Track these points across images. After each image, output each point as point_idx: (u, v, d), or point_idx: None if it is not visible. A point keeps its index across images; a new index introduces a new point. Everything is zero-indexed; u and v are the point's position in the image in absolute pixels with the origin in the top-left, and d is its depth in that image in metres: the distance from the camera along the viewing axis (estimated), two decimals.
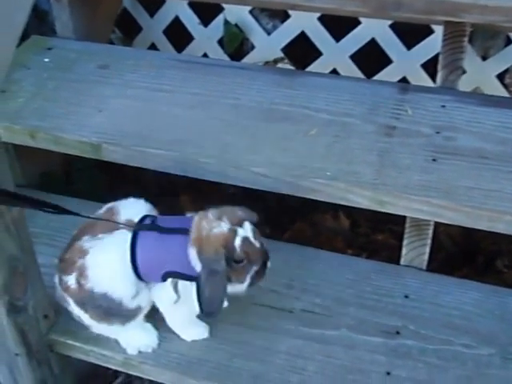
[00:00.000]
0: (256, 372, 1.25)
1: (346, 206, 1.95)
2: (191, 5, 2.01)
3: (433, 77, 1.70)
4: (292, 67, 1.96)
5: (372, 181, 1.26)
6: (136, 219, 1.22)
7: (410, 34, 1.83)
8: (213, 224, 1.14)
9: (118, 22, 2.08)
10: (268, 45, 1.97)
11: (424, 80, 1.84)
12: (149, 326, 1.32)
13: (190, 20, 2.03)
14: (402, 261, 1.45)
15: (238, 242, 1.12)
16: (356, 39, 1.86)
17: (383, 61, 1.89)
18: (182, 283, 1.19)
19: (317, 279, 1.42)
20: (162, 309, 1.27)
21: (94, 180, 1.94)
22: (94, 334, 1.32)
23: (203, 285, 1.12)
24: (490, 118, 1.40)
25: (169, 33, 2.08)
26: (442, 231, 1.90)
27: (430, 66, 1.83)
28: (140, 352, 1.30)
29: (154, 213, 1.27)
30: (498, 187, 1.22)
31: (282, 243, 1.56)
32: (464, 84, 1.67)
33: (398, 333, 1.31)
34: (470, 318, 1.33)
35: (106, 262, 1.20)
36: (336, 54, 1.91)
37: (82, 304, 1.23)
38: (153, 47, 2.12)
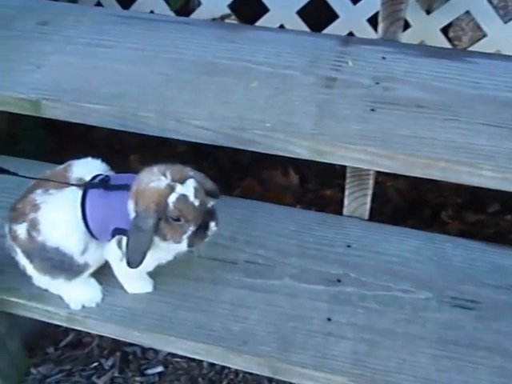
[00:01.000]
0: (199, 322, 1.27)
1: (296, 162, 1.98)
2: None
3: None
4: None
5: (311, 131, 1.26)
6: (88, 178, 1.22)
7: None
8: (152, 178, 1.13)
9: None
10: (214, 1, 1.95)
11: (370, 35, 1.84)
12: (92, 280, 1.32)
13: None
14: (345, 211, 1.47)
15: (172, 198, 1.10)
16: None
17: (330, 16, 1.88)
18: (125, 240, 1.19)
19: (260, 231, 1.44)
20: (112, 265, 1.27)
21: (41, 140, 1.92)
22: (38, 291, 1.32)
23: (128, 237, 1.13)
24: (428, 68, 1.41)
25: None
26: (390, 186, 1.93)
27: (375, 21, 1.83)
28: (84, 307, 1.31)
29: (109, 173, 1.27)
30: (433, 135, 1.24)
31: (225, 197, 1.57)
32: (409, 38, 1.68)
33: (339, 280, 1.34)
34: (409, 264, 1.37)
35: (58, 219, 1.20)
36: (283, 10, 1.90)
37: (29, 255, 1.23)
38: (99, 5, 2.08)
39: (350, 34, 1.89)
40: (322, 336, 1.25)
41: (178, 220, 1.12)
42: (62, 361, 1.62)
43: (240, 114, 1.31)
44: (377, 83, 1.38)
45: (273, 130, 1.27)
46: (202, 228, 1.15)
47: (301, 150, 1.27)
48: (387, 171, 1.26)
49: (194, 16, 1.98)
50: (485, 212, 1.87)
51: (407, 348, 1.23)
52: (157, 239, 1.14)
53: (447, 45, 1.84)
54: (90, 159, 1.28)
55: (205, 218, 1.14)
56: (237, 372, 1.57)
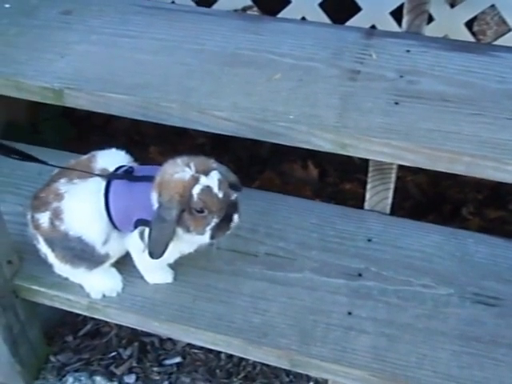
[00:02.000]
0: (219, 313, 1.27)
1: (315, 155, 1.97)
2: None
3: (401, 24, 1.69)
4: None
5: (334, 124, 1.25)
6: (111, 168, 1.22)
7: None
8: (176, 169, 1.13)
9: None
10: None
11: (393, 28, 1.82)
12: (113, 270, 1.33)
13: None
14: (366, 205, 1.47)
15: (196, 190, 1.10)
16: None
17: (352, 9, 1.87)
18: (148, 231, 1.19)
19: (281, 224, 1.44)
20: (133, 256, 1.27)
21: (61, 130, 1.92)
22: (59, 280, 1.33)
23: (151, 227, 1.13)
24: (453, 62, 1.39)
25: None
26: (410, 180, 1.92)
27: (398, 14, 1.82)
28: (104, 296, 1.31)
29: (133, 164, 1.27)
30: (458, 129, 1.23)
31: (247, 189, 1.57)
32: (432, 32, 1.66)
33: (359, 275, 1.33)
34: (431, 259, 1.36)
35: (82, 208, 1.20)
36: (305, 2, 1.89)
37: (51, 243, 1.24)
38: None
39: (373, 27, 1.87)
40: (342, 330, 1.25)
41: (202, 212, 1.12)
42: (81, 350, 1.63)
43: (263, 105, 1.30)
44: (401, 76, 1.36)
45: (296, 122, 1.27)
46: (226, 220, 1.14)
47: (324, 142, 1.26)
48: (411, 165, 1.25)
49: (215, 7, 1.97)
50: (506, 208, 1.85)
51: (428, 343, 1.22)
52: (180, 231, 1.14)
53: (471, 39, 1.82)
54: (114, 150, 1.29)
55: (228, 210, 1.14)
56: (254, 364, 1.57)
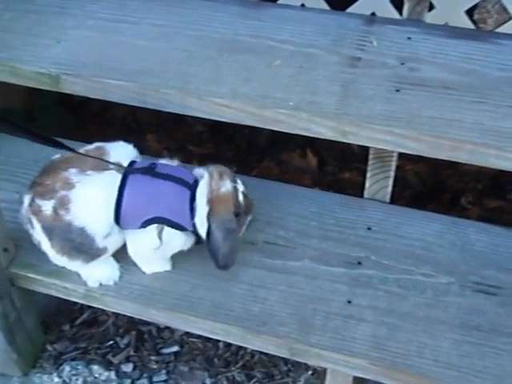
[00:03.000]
0: (217, 302, 1.26)
1: (314, 144, 1.96)
2: None
3: (402, 12, 1.68)
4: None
5: (335, 111, 1.24)
6: (125, 163, 1.22)
7: None
8: (219, 184, 1.19)
9: None
10: None
11: (393, 16, 1.81)
12: (111, 259, 1.31)
13: None
14: (366, 194, 1.45)
15: (240, 197, 1.21)
16: None
17: None
18: (167, 230, 1.20)
19: (281, 212, 1.43)
20: (138, 251, 1.26)
21: (58, 117, 1.90)
22: (56, 268, 1.32)
23: (222, 243, 1.16)
24: (455, 49, 1.38)
25: None
26: (410, 170, 1.91)
27: (398, 2, 1.80)
28: (101, 285, 1.30)
29: (139, 159, 1.27)
30: (460, 117, 1.22)
31: (246, 177, 1.55)
32: (433, 20, 1.64)
33: (359, 263, 1.32)
34: (431, 248, 1.35)
35: (93, 200, 1.19)
36: None
37: (50, 232, 1.22)
38: None
39: (372, 14, 1.85)
40: (341, 318, 1.24)
41: (238, 215, 1.20)
42: (78, 338, 1.62)
43: (263, 92, 1.29)
44: (402, 63, 1.35)
45: (296, 108, 1.25)
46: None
47: (324, 129, 1.25)
48: (413, 153, 1.24)
49: None
50: (505, 198, 1.84)
51: (428, 332, 1.21)
52: None
53: (472, 27, 1.81)
54: (122, 143, 1.28)
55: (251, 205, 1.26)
56: (252, 353, 1.56)
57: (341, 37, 1.42)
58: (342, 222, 1.40)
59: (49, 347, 1.59)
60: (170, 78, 1.33)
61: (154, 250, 1.22)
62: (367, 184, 1.44)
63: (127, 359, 1.56)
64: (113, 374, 1.53)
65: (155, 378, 1.52)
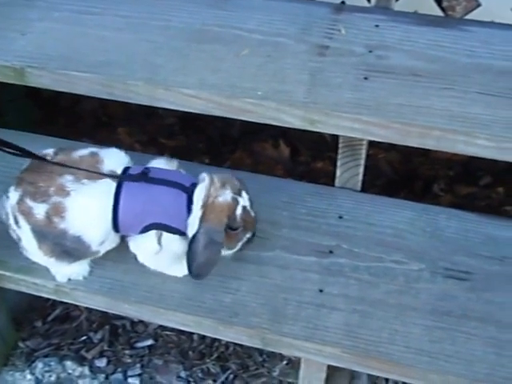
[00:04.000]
0: (189, 294, 1.26)
1: (287, 134, 1.95)
2: None
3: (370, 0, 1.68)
4: None
5: (303, 100, 1.24)
6: (119, 170, 1.19)
7: None
8: (218, 192, 1.15)
9: None
10: None
11: (362, 4, 1.81)
12: None
13: None
14: (337, 182, 1.45)
15: (239, 211, 1.15)
16: None
17: None
18: (166, 235, 1.18)
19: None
20: (142, 257, 1.24)
21: (26, 112, 1.88)
22: (25, 264, 1.30)
23: (200, 251, 1.13)
24: (423, 36, 1.38)
25: None
26: (382, 158, 1.91)
27: None
28: (70, 280, 1.28)
29: (131, 165, 1.24)
30: (428, 104, 1.22)
31: (218, 168, 1.55)
32: (401, 7, 1.65)
33: (331, 252, 1.32)
34: (402, 235, 1.35)
35: (89, 210, 1.17)
36: None
37: (40, 235, 1.19)
38: None
39: (342, 3, 1.85)
40: (313, 307, 1.24)
41: (236, 229, 1.16)
42: (51, 335, 1.60)
43: (231, 82, 1.28)
44: (370, 51, 1.35)
45: (264, 98, 1.25)
46: (252, 234, 1.21)
47: (293, 118, 1.24)
48: (381, 140, 1.24)
49: None
50: (477, 185, 1.86)
51: (400, 319, 1.22)
52: None
53: (440, 15, 1.81)
54: (115, 150, 1.25)
55: (255, 223, 1.21)
56: (227, 345, 1.56)
57: (309, 25, 1.42)
58: (314, 212, 1.40)
59: (21, 344, 1.57)
60: (137, 70, 1.32)
61: (155, 254, 1.21)
62: (338, 173, 1.44)
63: (101, 354, 1.55)
64: (86, 370, 1.52)
65: (129, 373, 1.51)
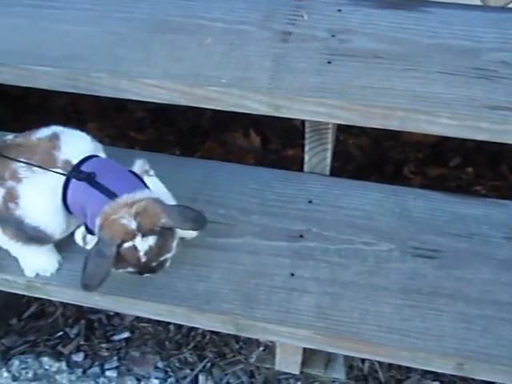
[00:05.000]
0: (161, 284, 1.26)
1: (257, 123, 1.96)
2: None
3: None
4: None
5: (267, 86, 1.24)
6: (75, 160, 1.17)
7: None
8: (125, 215, 1.09)
9: None
10: None
11: None
12: (53, 249, 1.29)
13: None
14: (305, 168, 1.46)
15: (128, 244, 1.09)
16: None
17: None
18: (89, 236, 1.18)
19: (221, 191, 1.42)
20: None
21: None
22: None
23: (89, 260, 1.10)
24: (384, 19, 1.39)
25: None
26: (352, 143, 1.92)
27: None
28: (38, 275, 1.28)
29: (100, 153, 1.23)
30: (391, 85, 1.23)
31: (185, 158, 1.55)
32: None
33: (301, 236, 1.33)
34: (371, 217, 1.37)
35: (40, 202, 1.16)
36: None
37: (1, 219, 1.18)
38: None
39: None
40: (285, 291, 1.24)
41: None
42: (26, 332, 1.59)
43: (194, 71, 1.28)
44: (333, 36, 1.36)
45: (228, 85, 1.25)
46: (145, 272, 1.15)
47: (257, 105, 1.25)
48: (345, 123, 1.25)
49: None
50: (446, 166, 1.87)
51: (370, 299, 1.23)
52: None
53: None
54: (79, 134, 1.24)
55: (150, 269, 1.15)
56: (203, 334, 1.56)
57: (272, 12, 1.43)
58: (283, 197, 1.41)
59: None
60: (101, 62, 1.32)
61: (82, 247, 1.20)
62: (306, 158, 1.45)
63: (78, 349, 1.55)
64: (64, 365, 1.52)
65: (107, 366, 1.51)
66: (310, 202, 1.40)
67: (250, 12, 1.42)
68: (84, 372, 1.51)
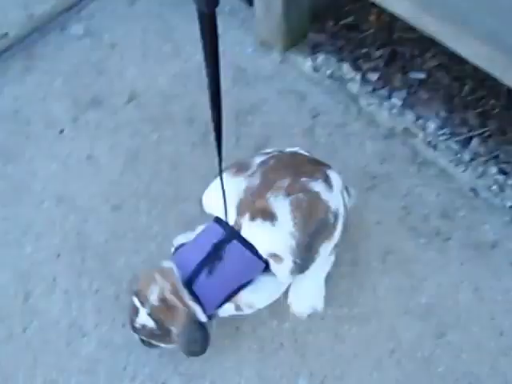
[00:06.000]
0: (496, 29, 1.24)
1: None
2: None
3: None
4: None
5: None
6: None
7: None
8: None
9: None
10: None
11: None
12: None
13: None
14: None
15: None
16: None
17: None
18: None
19: None
20: None
21: None
22: None
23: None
24: None
25: None
26: None
27: None
28: None
29: None
30: None
31: None
32: None
33: None
34: None
35: None
36: None
37: None
38: None
39: None
40: None
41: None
42: (337, 37, 1.70)
43: None
44: None
45: None
46: None
47: None
48: None
49: None
50: None
51: None
52: None
53: None
54: None
55: None
56: (493, 105, 1.56)
57: None
58: None
59: (310, 35, 1.70)
60: None
61: None
62: None
63: (375, 69, 1.63)
64: (358, 77, 1.62)
65: (395, 94, 1.59)
66: None
67: None
68: (373, 90, 1.61)
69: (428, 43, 1.55)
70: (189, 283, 1.16)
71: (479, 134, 1.53)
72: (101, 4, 1.85)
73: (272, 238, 1.16)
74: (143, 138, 1.61)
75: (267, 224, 1.14)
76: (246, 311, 1.25)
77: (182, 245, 1.26)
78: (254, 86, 1.66)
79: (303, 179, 1.17)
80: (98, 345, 1.34)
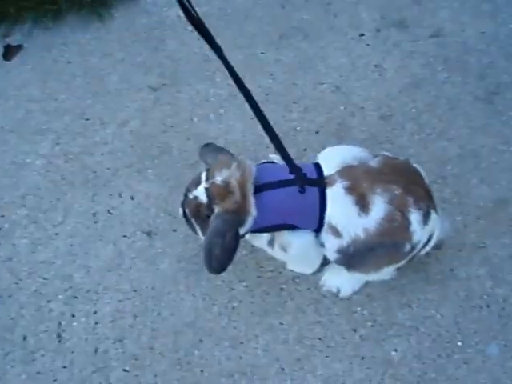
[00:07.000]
0: None
1: None
2: None
3: None
4: None
5: None
6: None
7: None
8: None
9: None
10: None
11: None
12: None
13: None
14: None
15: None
16: None
17: None
18: None
19: None
20: None
21: None
22: None
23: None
24: None
25: None
26: None
27: None
28: None
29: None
30: None
31: None
32: None
33: None
34: None
35: None
36: None
37: None
38: None
39: None
40: None
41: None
42: None
43: None
44: None
45: None
46: None
47: None
48: None
49: None
50: None
51: None
52: None
53: None
54: None
55: None
56: None
57: None
58: None
59: None
60: None
61: None
62: None
63: None
64: None
65: None
66: None
67: None
68: None
69: None
70: (257, 190, 1.18)
71: None
72: None
73: (349, 221, 1.16)
74: (432, 73, 1.66)
75: (355, 208, 1.15)
76: (274, 252, 1.27)
77: (273, 162, 1.29)
78: None
79: (410, 199, 1.16)
80: None
